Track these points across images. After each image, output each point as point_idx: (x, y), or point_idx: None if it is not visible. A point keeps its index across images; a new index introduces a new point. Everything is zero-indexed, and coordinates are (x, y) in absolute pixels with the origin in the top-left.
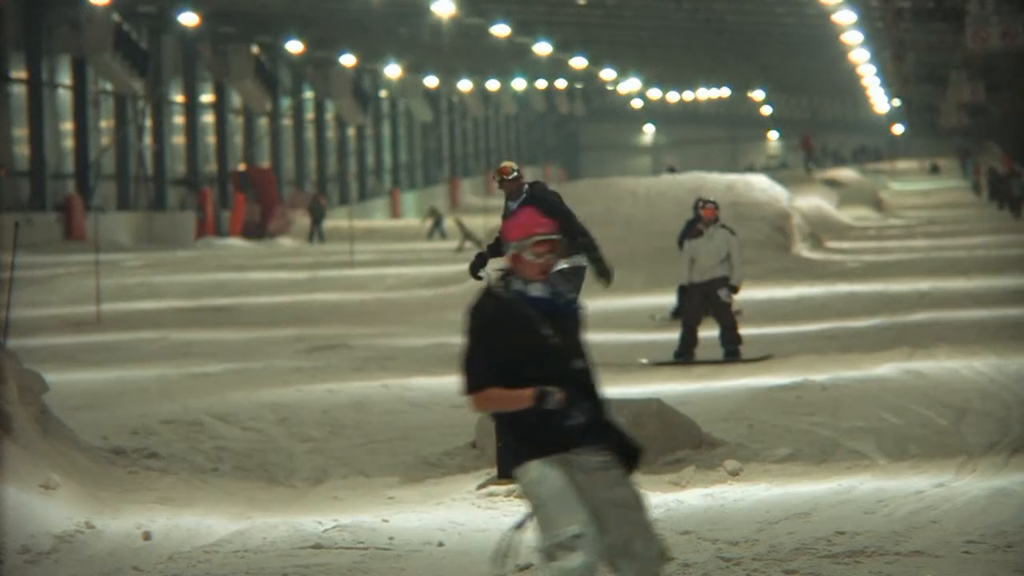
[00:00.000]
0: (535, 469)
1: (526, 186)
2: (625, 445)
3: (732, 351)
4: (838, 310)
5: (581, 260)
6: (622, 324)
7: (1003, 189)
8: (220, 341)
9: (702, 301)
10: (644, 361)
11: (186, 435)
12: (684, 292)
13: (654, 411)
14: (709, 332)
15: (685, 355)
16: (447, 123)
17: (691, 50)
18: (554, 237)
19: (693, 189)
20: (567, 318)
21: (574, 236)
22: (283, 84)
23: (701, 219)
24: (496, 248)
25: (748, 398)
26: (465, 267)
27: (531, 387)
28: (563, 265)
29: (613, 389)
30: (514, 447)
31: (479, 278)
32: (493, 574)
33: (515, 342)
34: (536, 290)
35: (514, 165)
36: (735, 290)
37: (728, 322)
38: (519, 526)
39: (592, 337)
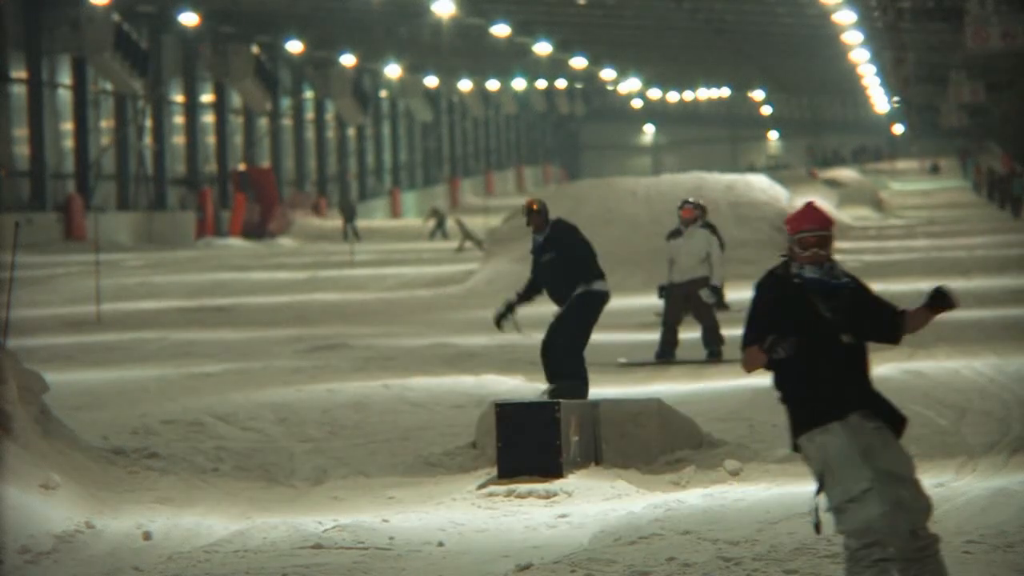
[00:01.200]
0: (817, 436)
1: (550, 220)
2: (893, 413)
3: (714, 351)
4: None
5: (604, 285)
6: (623, 324)
7: (1003, 189)
8: (220, 341)
9: (683, 301)
10: (623, 360)
11: (186, 435)
12: (665, 292)
13: (654, 411)
14: (693, 333)
15: (666, 355)
16: (447, 123)
17: (691, 50)
18: (820, 233)
19: (693, 189)
20: (840, 296)
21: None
22: (283, 84)
23: (680, 219)
24: (526, 295)
25: (748, 398)
26: (466, 267)
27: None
28: (580, 289)
29: (614, 389)
30: (794, 419)
31: (500, 327)
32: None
33: (787, 315)
34: (810, 271)
35: (542, 200)
36: (716, 290)
37: (710, 322)
38: (818, 492)
39: (592, 337)
